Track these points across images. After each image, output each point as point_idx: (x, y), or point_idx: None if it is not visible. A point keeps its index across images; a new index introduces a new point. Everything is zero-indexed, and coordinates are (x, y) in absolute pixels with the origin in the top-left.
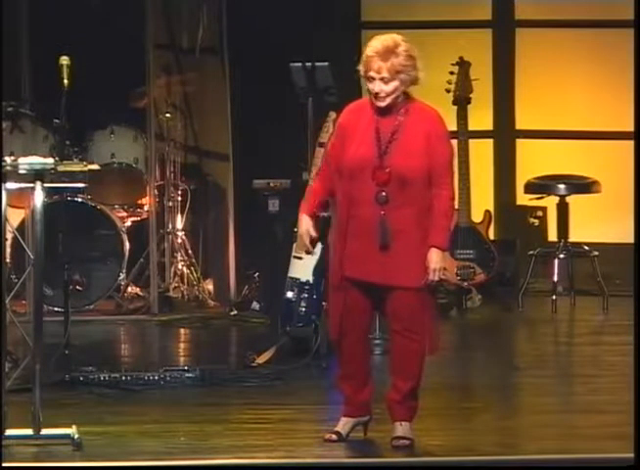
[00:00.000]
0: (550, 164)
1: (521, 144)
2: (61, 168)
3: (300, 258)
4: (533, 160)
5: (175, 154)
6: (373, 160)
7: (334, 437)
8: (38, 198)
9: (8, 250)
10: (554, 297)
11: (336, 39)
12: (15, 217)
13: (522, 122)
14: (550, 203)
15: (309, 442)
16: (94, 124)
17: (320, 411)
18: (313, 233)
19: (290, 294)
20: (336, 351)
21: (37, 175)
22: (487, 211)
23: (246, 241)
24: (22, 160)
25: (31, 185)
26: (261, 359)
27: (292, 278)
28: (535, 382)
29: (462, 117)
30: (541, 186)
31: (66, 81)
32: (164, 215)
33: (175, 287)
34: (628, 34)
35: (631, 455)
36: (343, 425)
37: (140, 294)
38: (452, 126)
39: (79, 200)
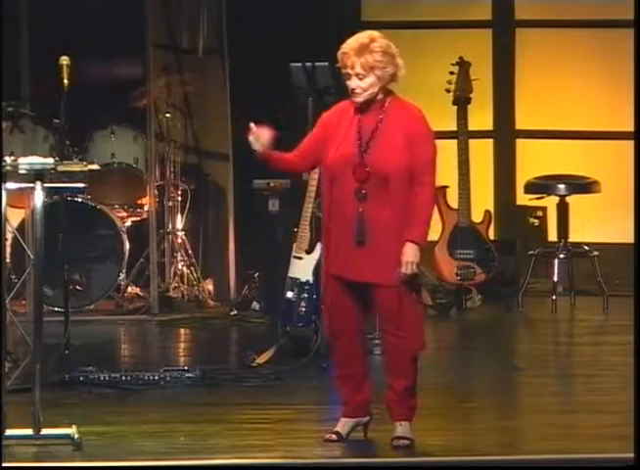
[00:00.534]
0: (550, 164)
1: (521, 144)
2: (61, 168)
3: (300, 258)
4: (533, 160)
5: (175, 154)
6: (354, 158)
7: (334, 437)
8: (38, 198)
9: (8, 250)
10: (554, 297)
11: (336, 39)
12: (15, 217)
13: (522, 122)
14: (550, 203)
15: (309, 442)
16: (94, 124)
17: (320, 411)
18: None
19: (290, 294)
20: (331, 351)
21: (37, 175)
22: (487, 212)
23: (246, 241)
24: (22, 160)
25: (31, 185)
26: (261, 359)
27: (292, 278)
28: (535, 382)
29: (462, 116)
30: (541, 186)
31: (66, 81)
32: (164, 215)
33: (175, 287)
34: (628, 34)
35: (631, 455)
36: (343, 425)
37: (140, 294)
38: (452, 126)
39: (79, 200)
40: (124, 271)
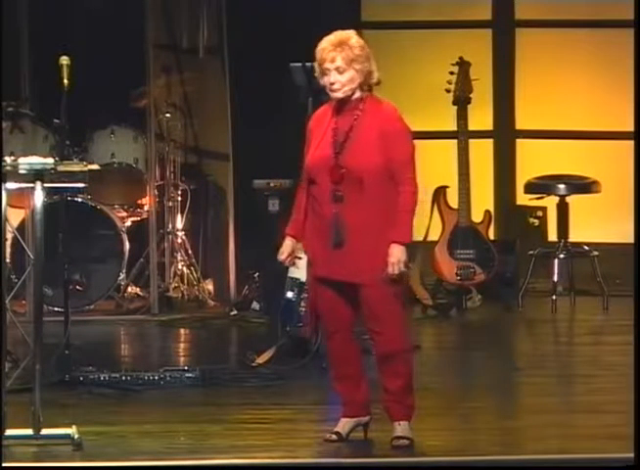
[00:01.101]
0: (550, 164)
1: (521, 144)
2: (61, 168)
3: (300, 258)
4: (533, 160)
5: (175, 154)
6: (329, 159)
7: (334, 437)
8: (38, 198)
9: (8, 250)
10: (554, 297)
11: None
12: (15, 217)
13: (522, 122)
14: (550, 203)
15: (309, 442)
16: (94, 124)
17: (320, 411)
18: (299, 255)
19: (290, 294)
20: (326, 352)
21: (37, 175)
22: (487, 212)
23: (246, 241)
24: (22, 160)
25: (31, 185)
26: (261, 359)
27: (292, 278)
28: (535, 382)
29: (462, 116)
30: (541, 186)
31: (66, 81)
32: (164, 215)
33: (175, 287)
34: (628, 34)
35: (631, 455)
36: (343, 425)
37: (140, 294)
38: (452, 126)
39: (79, 200)
40: (124, 271)
